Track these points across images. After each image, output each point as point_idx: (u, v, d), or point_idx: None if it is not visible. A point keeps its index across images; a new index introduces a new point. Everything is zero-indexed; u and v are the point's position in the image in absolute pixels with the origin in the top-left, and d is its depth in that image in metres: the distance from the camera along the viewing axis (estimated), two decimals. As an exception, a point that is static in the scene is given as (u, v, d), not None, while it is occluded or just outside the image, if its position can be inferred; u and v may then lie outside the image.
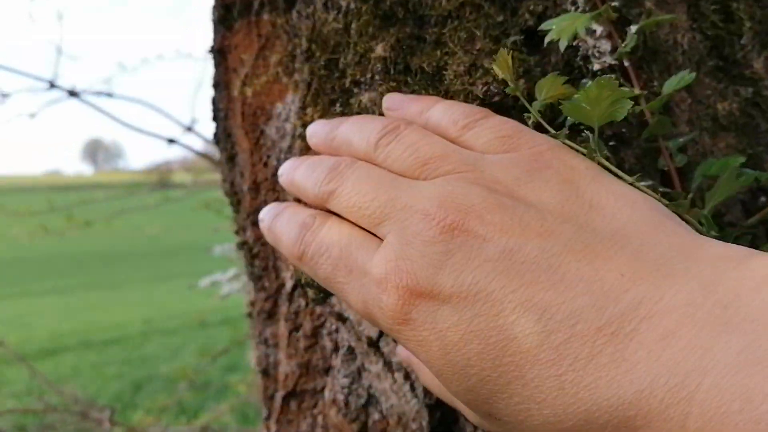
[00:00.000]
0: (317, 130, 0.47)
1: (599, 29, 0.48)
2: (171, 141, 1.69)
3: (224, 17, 0.63)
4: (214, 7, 0.65)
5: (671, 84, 0.43)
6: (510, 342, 0.31)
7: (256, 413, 3.89)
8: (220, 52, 0.65)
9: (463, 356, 0.32)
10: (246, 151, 0.62)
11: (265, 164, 0.60)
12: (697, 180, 0.44)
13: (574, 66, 0.47)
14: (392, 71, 0.48)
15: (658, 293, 0.29)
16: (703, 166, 0.44)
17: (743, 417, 0.24)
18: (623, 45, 0.44)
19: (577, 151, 0.40)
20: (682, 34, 0.49)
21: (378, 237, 0.38)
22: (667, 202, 0.40)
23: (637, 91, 0.44)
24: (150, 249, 13.14)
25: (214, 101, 0.67)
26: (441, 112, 0.43)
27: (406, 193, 0.37)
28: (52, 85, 1.73)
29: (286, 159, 0.54)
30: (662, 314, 0.28)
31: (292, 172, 0.45)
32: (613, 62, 0.47)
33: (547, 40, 0.42)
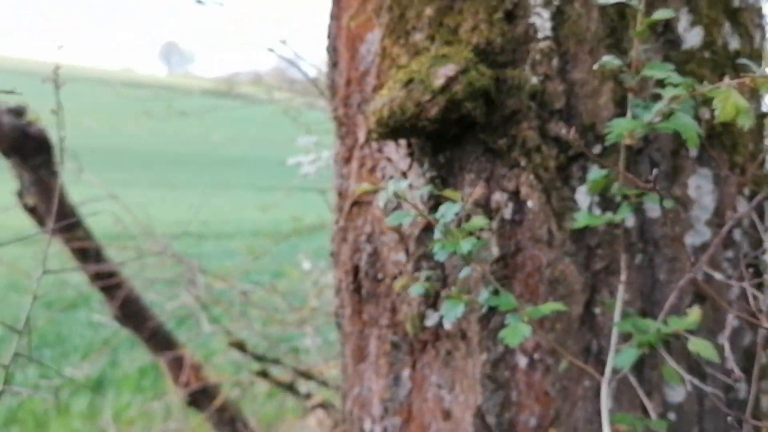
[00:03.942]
0: None
1: None
2: (270, 50, 2.11)
3: (343, -23, 1.05)
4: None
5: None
6: None
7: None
8: (337, -2, 1.07)
9: None
10: (345, 60, 1.05)
11: (356, 69, 1.02)
12: None
13: None
14: (434, 24, 0.90)
15: None
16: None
17: None
18: None
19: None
20: (594, 23, 0.89)
21: None
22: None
23: None
24: (213, 155, 13.84)
25: (329, 27, 1.10)
26: None
27: None
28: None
29: (370, 66, 0.96)
30: None
31: None
32: None
33: None
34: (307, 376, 2.12)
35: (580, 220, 0.88)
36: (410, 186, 0.96)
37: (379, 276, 1.02)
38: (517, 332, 0.81)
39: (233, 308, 2.65)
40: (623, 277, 0.90)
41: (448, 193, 0.84)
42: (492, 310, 0.91)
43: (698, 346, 0.81)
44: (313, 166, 1.79)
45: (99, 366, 5.02)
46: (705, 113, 0.94)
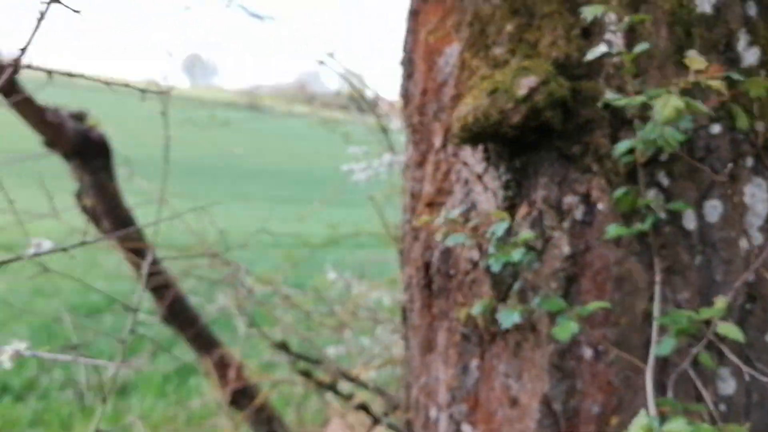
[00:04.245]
0: None
1: None
2: (321, 62, 2.20)
3: (422, -5, 1.13)
4: (414, -12, 1.15)
5: None
6: None
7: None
8: (414, 13, 1.16)
9: None
10: (422, 71, 1.13)
11: (433, 79, 1.11)
12: None
13: None
14: (514, 39, 0.98)
15: None
16: None
17: None
18: None
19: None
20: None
21: None
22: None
23: None
24: (233, 167, 14.00)
25: (405, 40, 1.18)
26: None
27: None
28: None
29: (448, 77, 1.04)
30: None
31: None
32: None
33: None
34: (349, 378, 2.19)
35: (611, 231, 0.95)
36: (485, 188, 1.04)
37: (451, 272, 1.10)
38: (566, 329, 0.91)
39: (273, 312, 2.74)
40: (658, 278, 0.97)
41: (496, 214, 0.94)
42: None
43: (726, 329, 0.90)
44: (363, 174, 1.88)
45: (126, 371, 5.11)
46: (759, 126, 1.02)
